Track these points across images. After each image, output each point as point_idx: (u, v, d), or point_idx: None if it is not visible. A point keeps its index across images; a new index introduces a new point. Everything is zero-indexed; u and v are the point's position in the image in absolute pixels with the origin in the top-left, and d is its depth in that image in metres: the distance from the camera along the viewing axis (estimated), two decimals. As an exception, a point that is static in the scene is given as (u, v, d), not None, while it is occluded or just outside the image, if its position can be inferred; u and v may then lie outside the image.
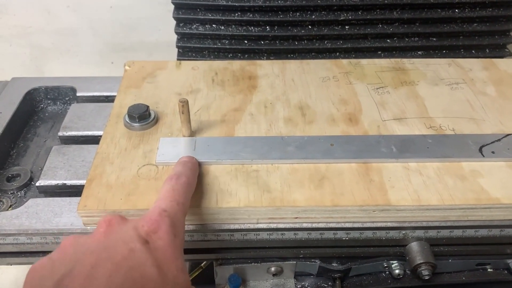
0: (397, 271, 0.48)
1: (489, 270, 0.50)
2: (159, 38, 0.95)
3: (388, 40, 0.69)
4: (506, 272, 0.49)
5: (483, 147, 0.49)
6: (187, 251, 0.45)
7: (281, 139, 0.50)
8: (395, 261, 0.48)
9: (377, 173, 0.46)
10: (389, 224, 0.44)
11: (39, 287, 0.30)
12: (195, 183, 0.43)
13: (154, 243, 0.33)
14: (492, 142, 0.49)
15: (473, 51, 0.71)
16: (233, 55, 0.70)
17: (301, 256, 0.47)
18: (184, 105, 0.47)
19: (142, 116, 0.50)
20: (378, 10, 0.66)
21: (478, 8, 0.68)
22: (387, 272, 0.49)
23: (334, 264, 0.48)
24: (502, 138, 0.50)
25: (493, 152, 0.48)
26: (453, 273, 0.49)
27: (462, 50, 0.71)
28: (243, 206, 0.43)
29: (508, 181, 0.45)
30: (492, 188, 0.45)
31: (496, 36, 0.70)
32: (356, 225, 0.44)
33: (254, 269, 0.48)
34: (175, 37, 0.72)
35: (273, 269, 0.48)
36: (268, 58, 0.70)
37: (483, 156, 0.48)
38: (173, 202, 0.38)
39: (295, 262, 0.48)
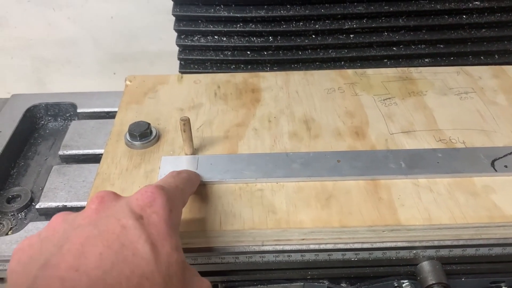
0: (408, 291, 0.46)
1: (503, 288, 0.48)
2: (161, 47, 0.94)
3: (394, 48, 0.67)
4: (521, 290, 0.48)
5: (495, 161, 0.47)
6: (191, 274, 0.44)
7: (286, 156, 0.48)
8: (406, 281, 0.46)
9: (386, 191, 0.44)
10: (399, 244, 0.43)
11: (27, 267, 0.29)
12: (197, 184, 0.43)
13: (148, 218, 0.32)
14: (504, 156, 0.48)
15: (482, 57, 0.69)
16: (236, 66, 0.69)
17: (309, 277, 0.46)
18: (186, 123, 0.45)
19: (143, 134, 0.49)
20: (383, 18, 0.65)
21: (486, 14, 0.66)
22: (397, 292, 0.48)
23: (343, 285, 0.47)
24: (515, 151, 0.48)
25: (506, 166, 0.46)
26: (467, 291, 0.48)
27: (470, 56, 0.69)
28: (248, 228, 0.41)
29: (523, 197, 0.44)
30: (505, 205, 0.43)
31: (506, 42, 0.68)
32: (365, 246, 0.43)
33: (260, 291, 0.47)
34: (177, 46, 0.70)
35: (280, 290, 0.47)
36: (271, 69, 0.68)
37: (496, 170, 0.46)
38: (172, 184, 0.37)
39: (302, 283, 0.46)
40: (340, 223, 0.42)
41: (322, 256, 0.43)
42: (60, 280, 0.27)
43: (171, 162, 0.47)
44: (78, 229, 0.30)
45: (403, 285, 0.46)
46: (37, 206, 0.48)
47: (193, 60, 0.68)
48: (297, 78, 0.61)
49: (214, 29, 0.66)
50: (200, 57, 0.68)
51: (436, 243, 0.43)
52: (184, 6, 0.65)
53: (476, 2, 0.64)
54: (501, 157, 0.47)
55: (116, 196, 0.34)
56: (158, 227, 0.32)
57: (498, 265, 0.46)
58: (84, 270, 0.28)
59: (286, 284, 0.46)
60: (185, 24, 0.66)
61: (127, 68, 0.97)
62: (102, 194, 0.34)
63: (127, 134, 0.50)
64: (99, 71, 0.98)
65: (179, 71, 0.70)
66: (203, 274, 0.44)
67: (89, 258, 0.28)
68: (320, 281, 0.46)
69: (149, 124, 0.50)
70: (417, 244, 0.43)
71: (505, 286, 0.48)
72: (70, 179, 0.50)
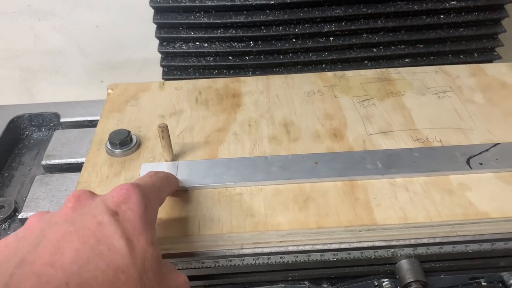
0: (388, 290, 0.47)
1: (483, 283, 0.49)
2: (147, 55, 0.94)
3: (374, 49, 0.68)
4: (500, 285, 0.48)
5: (470, 158, 0.48)
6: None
7: (265, 160, 0.49)
8: (386, 279, 0.47)
9: (363, 191, 0.45)
10: (377, 244, 0.43)
11: (3, 265, 0.29)
12: (175, 184, 0.44)
13: (123, 214, 0.33)
14: (480, 153, 0.48)
15: (461, 56, 0.70)
16: (218, 71, 0.69)
17: (290, 279, 0.46)
18: (164, 130, 0.46)
19: (123, 142, 0.50)
20: (362, 20, 0.66)
21: (463, 13, 0.67)
22: (378, 291, 0.48)
23: (324, 285, 0.47)
24: (490, 148, 0.49)
25: (481, 164, 0.47)
26: (446, 288, 0.48)
27: (450, 55, 0.70)
28: (226, 232, 0.42)
29: (497, 193, 0.44)
30: (480, 202, 0.44)
31: (484, 40, 0.69)
32: (343, 246, 0.43)
33: (242, 294, 0.47)
34: (161, 54, 0.71)
35: (261, 293, 0.47)
36: (254, 73, 0.69)
37: (471, 168, 0.47)
38: (149, 182, 0.38)
39: (283, 285, 0.47)
40: (317, 224, 0.42)
41: (301, 258, 0.44)
42: (36, 276, 0.27)
43: (151, 169, 0.48)
44: (55, 227, 0.31)
45: (383, 284, 0.47)
46: (19, 216, 0.48)
47: (175, 66, 0.69)
48: (277, 82, 0.61)
49: (195, 35, 0.66)
50: (183, 64, 0.69)
51: (413, 242, 0.44)
52: (165, 13, 0.66)
53: (453, 2, 0.65)
54: (477, 155, 0.48)
55: (92, 194, 0.35)
56: (133, 223, 0.32)
57: (476, 261, 0.46)
58: (60, 266, 0.28)
59: (268, 287, 0.46)
60: (166, 31, 0.67)
61: (114, 76, 0.97)
62: (79, 193, 0.34)
63: (108, 142, 0.50)
64: (87, 80, 0.98)
65: (162, 78, 0.71)
66: (184, 279, 0.44)
67: (65, 254, 0.29)
68: (301, 282, 0.47)
69: (129, 132, 0.51)
70: (394, 243, 0.43)
71: (484, 282, 0.49)
72: (53, 189, 0.51)
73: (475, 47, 0.69)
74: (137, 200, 0.34)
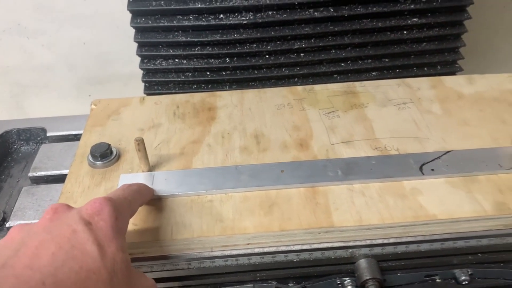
0: (349, 288, 0.51)
1: (437, 280, 0.52)
2: (133, 69, 0.97)
3: (343, 64, 0.72)
4: (453, 281, 0.52)
5: (423, 165, 0.52)
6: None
7: (235, 169, 0.53)
8: (347, 278, 0.51)
9: (323, 196, 0.49)
10: (336, 244, 0.47)
11: None
12: (147, 195, 0.47)
13: (96, 224, 0.37)
14: (432, 160, 0.53)
15: (425, 69, 0.75)
16: (197, 86, 0.73)
17: (258, 279, 0.50)
18: (140, 143, 0.50)
19: (103, 155, 0.54)
20: (330, 37, 0.70)
21: (425, 29, 0.71)
22: (341, 289, 0.52)
23: (290, 284, 0.51)
24: (441, 156, 0.53)
25: (432, 170, 0.51)
26: (404, 285, 0.52)
27: (415, 68, 0.75)
28: (197, 236, 0.46)
29: (445, 197, 0.48)
30: (430, 205, 0.48)
31: (446, 54, 0.74)
32: (304, 247, 0.47)
33: (213, 294, 0.51)
34: (146, 69, 0.75)
35: (231, 293, 0.51)
36: (230, 87, 0.73)
37: (423, 174, 0.51)
38: (121, 196, 0.42)
39: (252, 285, 0.50)
40: (279, 228, 0.46)
41: (267, 259, 0.48)
42: (16, 277, 0.31)
43: (129, 179, 0.52)
44: (34, 235, 0.35)
45: (345, 282, 0.51)
46: (7, 225, 0.52)
47: (156, 82, 0.73)
48: (251, 96, 0.65)
49: (174, 53, 0.71)
50: (163, 79, 0.73)
51: (368, 242, 0.48)
52: (145, 33, 0.70)
53: (415, 19, 0.70)
54: (429, 162, 0.52)
55: (69, 207, 0.39)
56: (104, 231, 0.37)
57: (430, 260, 0.50)
58: (37, 268, 0.32)
59: (237, 287, 0.50)
60: (147, 50, 0.71)
61: (102, 90, 1.02)
62: (56, 206, 0.39)
63: (89, 155, 0.54)
64: (75, 94, 1.02)
65: (144, 93, 0.75)
66: (160, 280, 0.48)
67: (42, 258, 0.33)
68: (269, 282, 0.50)
69: (109, 145, 0.54)
70: (351, 243, 0.47)
71: (439, 279, 0.52)
72: (39, 199, 0.54)
73: (437, 60, 0.74)
74: (108, 212, 0.38)
